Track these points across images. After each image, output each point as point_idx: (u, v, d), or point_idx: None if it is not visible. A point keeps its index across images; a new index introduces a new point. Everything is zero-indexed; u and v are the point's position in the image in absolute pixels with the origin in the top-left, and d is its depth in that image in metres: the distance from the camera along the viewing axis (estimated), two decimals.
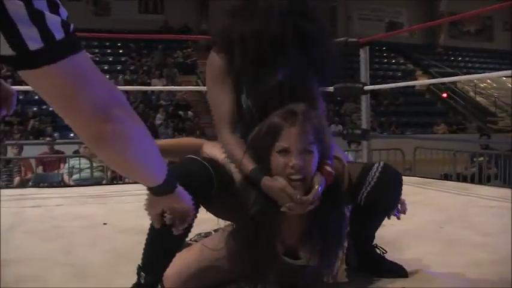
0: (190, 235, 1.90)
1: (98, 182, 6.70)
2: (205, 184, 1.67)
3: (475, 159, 8.39)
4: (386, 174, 1.76)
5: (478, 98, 20.43)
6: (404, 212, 2.02)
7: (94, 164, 7.16)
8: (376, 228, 1.92)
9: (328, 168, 1.65)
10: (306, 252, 1.70)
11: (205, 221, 1.83)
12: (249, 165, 1.66)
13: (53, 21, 0.82)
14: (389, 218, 2.02)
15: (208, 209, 1.80)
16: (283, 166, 1.60)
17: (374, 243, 1.97)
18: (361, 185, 1.75)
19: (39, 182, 6.87)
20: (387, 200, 1.81)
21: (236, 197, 1.69)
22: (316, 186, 1.59)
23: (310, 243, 1.69)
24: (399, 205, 2.07)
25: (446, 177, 7.76)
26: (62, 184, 7.01)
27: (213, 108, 1.86)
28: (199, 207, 1.73)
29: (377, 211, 1.82)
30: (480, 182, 7.35)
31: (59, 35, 0.83)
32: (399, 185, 1.81)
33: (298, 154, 1.60)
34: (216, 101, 1.85)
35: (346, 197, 1.75)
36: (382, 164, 1.80)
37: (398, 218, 1.98)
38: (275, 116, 1.66)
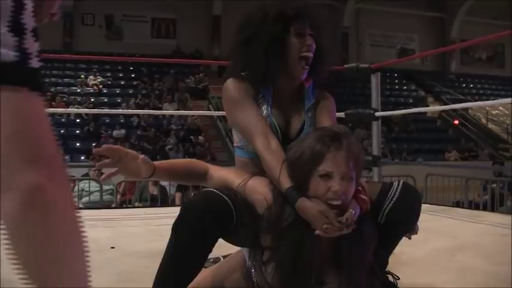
0: None
1: (107, 205, 6.70)
2: (225, 219, 1.64)
3: (488, 185, 8.32)
4: (406, 192, 1.74)
5: (490, 125, 20.34)
6: (416, 233, 2.00)
7: (104, 187, 7.17)
8: (390, 253, 1.88)
9: (363, 196, 1.64)
10: (333, 279, 1.68)
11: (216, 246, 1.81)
12: (286, 183, 1.64)
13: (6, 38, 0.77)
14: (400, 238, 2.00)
15: (227, 240, 1.78)
16: (325, 190, 1.58)
17: (386, 269, 1.93)
18: (381, 203, 1.73)
19: None
20: (408, 218, 1.79)
21: (257, 225, 1.66)
22: (351, 210, 1.57)
23: (338, 269, 1.66)
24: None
25: (458, 204, 7.69)
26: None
27: (243, 127, 1.86)
28: (217, 240, 1.71)
29: (397, 229, 1.80)
30: (493, 210, 7.26)
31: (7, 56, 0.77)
32: (419, 203, 1.81)
33: (341, 180, 1.58)
34: (243, 120, 1.85)
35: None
36: (401, 182, 1.78)
37: (410, 238, 1.95)
38: (317, 138, 1.63)
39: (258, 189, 1.69)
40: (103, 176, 1.88)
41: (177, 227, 1.67)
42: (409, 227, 1.86)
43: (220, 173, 1.85)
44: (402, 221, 1.78)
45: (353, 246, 1.64)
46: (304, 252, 1.62)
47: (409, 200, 1.76)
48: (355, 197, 1.63)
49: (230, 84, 1.90)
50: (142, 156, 1.82)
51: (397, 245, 1.89)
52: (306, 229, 1.60)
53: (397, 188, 1.74)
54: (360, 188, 1.66)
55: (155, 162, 1.84)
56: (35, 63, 0.80)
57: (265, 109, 1.89)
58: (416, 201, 1.79)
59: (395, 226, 1.76)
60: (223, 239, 1.74)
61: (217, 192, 1.68)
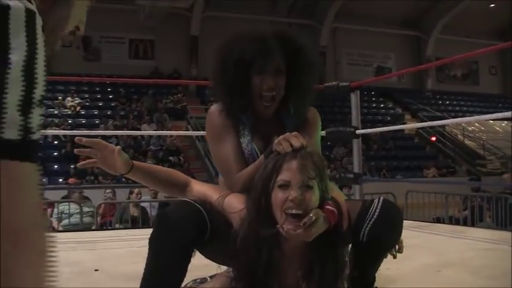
0: (186, 281, 1.86)
1: (87, 228, 6.62)
2: (199, 229, 1.64)
3: (467, 200, 8.39)
4: (387, 209, 1.75)
5: (467, 141, 20.56)
6: (401, 251, 1.99)
7: (84, 210, 7.09)
8: (376, 270, 1.87)
9: (330, 207, 1.62)
10: None
11: (199, 267, 1.79)
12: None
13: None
14: (385, 256, 1.99)
15: (204, 253, 1.78)
16: (283, 200, 1.57)
17: (374, 286, 1.92)
18: (362, 221, 1.73)
19: None
20: (389, 235, 1.79)
21: (231, 240, 1.65)
22: (311, 215, 1.54)
23: (308, 285, 1.64)
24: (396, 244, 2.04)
25: (438, 220, 7.73)
26: (50, 230, 6.90)
27: (219, 163, 1.93)
28: (194, 252, 1.70)
29: (379, 247, 1.79)
30: (473, 225, 7.32)
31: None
32: (400, 219, 1.81)
33: (298, 188, 1.57)
34: (220, 156, 1.92)
35: (348, 235, 1.72)
36: (381, 199, 1.78)
37: (395, 257, 1.95)
38: (275, 154, 1.66)
39: (235, 205, 1.70)
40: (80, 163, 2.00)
41: (152, 238, 1.68)
42: (392, 244, 1.85)
43: (200, 187, 1.85)
44: (384, 238, 1.77)
45: (323, 263, 1.63)
46: (269, 270, 1.61)
47: (390, 217, 1.76)
48: (322, 208, 1.60)
49: (213, 113, 1.96)
50: (118, 147, 1.90)
51: (382, 261, 1.88)
52: (273, 247, 1.60)
53: (377, 205, 1.74)
54: (329, 202, 1.64)
55: (135, 162, 1.87)
56: (36, 135, 0.79)
57: (246, 135, 1.93)
58: (397, 217, 1.79)
59: (377, 243, 1.76)
60: (198, 251, 1.74)
61: (192, 202, 1.69)
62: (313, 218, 1.54)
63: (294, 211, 1.55)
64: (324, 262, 1.62)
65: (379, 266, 1.88)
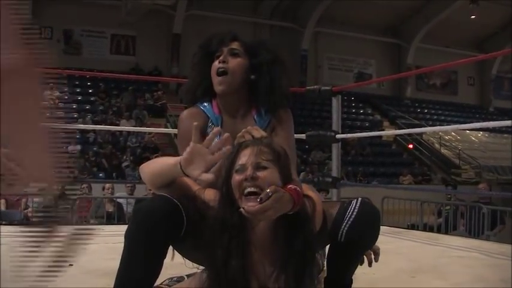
0: (162, 279, 1.86)
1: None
2: (175, 223, 1.64)
3: (442, 208, 8.49)
4: (365, 209, 1.76)
5: (443, 150, 20.77)
6: (376, 260, 2.02)
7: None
8: (353, 272, 1.88)
9: (293, 186, 1.63)
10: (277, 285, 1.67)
11: (176, 265, 1.78)
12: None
13: None
14: (361, 264, 2.01)
15: (180, 251, 1.77)
16: (239, 182, 1.59)
17: None
18: (340, 221, 1.74)
19: None
20: (368, 234, 1.79)
21: (208, 236, 1.65)
22: (268, 190, 1.55)
23: (279, 281, 1.65)
24: (372, 254, 2.06)
25: (413, 227, 7.80)
26: (24, 222, 6.83)
27: None
28: (168, 247, 1.69)
29: (357, 247, 1.80)
30: (446, 232, 7.41)
31: None
32: (378, 219, 1.82)
33: (254, 169, 1.60)
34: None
35: (325, 236, 1.73)
36: (360, 199, 1.79)
37: (370, 265, 1.97)
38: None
39: (213, 198, 1.70)
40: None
41: (127, 232, 1.67)
42: (369, 244, 1.86)
43: (182, 179, 1.84)
44: (362, 238, 1.78)
45: (294, 258, 1.63)
46: (239, 262, 1.62)
47: (368, 217, 1.77)
48: (285, 188, 1.61)
49: (181, 118, 2.04)
50: None
51: (358, 263, 1.90)
52: (239, 233, 1.62)
53: (355, 206, 1.75)
54: (296, 186, 1.65)
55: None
56: None
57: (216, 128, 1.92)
58: (375, 217, 1.80)
59: (355, 243, 1.76)
60: (174, 248, 1.73)
61: (169, 196, 1.68)
62: (270, 193, 1.54)
63: (249, 189, 1.57)
64: (294, 255, 1.63)
65: (356, 268, 1.89)
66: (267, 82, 1.99)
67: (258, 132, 1.75)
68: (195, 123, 1.71)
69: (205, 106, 2.02)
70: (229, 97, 2.00)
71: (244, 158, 1.62)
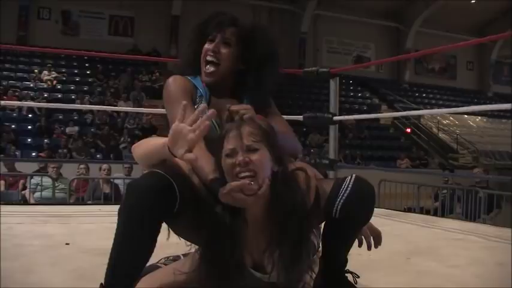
0: (158, 258, 1.86)
1: (59, 203, 6.56)
2: (168, 199, 1.64)
3: (439, 192, 8.52)
4: (359, 185, 1.74)
5: (441, 135, 20.81)
6: (376, 246, 2.02)
7: (60, 186, 7.04)
8: (348, 250, 1.87)
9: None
10: (270, 266, 1.67)
11: (171, 245, 1.78)
12: (210, 175, 1.67)
13: None
14: (360, 245, 2.01)
15: (175, 229, 1.77)
16: (231, 167, 1.60)
17: (346, 268, 1.92)
18: (334, 197, 1.73)
19: None
20: (362, 210, 1.78)
21: (201, 213, 1.65)
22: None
23: (273, 257, 1.66)
24: (371, 238, 2.06)
25: (410, 210, 7.82)
26: (22, 202, 6.84)
27: (171, 124, 1.84)
28: (161, 223, 1.69)
29: (352, 223, 1.78)
30: (443, 216, 7.43)
31: None
32: (373, 195, 1.79)
33: (243, 152, 1.60)
34: (173, 116, 1.89)
35: (320, 213, 1.73)
36: (354, 176, 1.78)
37: (369, 249, 1.96)
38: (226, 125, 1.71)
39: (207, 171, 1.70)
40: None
41: (120, 208, 1.68)
42: (364, 220, 1.83)
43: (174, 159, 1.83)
44: (357, 214, 1.76)
45: (289, 234, 1.64)
46: (230, 234, 1.63)
47: (363, 193, 1.75)
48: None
49: (170, 80, 2.03)
50: None
51: (354, 241, 1.88)
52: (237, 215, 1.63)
53: (349, 182, 1.73)
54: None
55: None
56: None
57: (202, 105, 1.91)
58: (369, 193, 1.77)
59: (350, 219, 1.74)
60: (168, 225, 1.73)
61: (162, 173, 1.67)
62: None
63: (243, 174, 1.59)
64: (287, 230, 1.63)
65: (351, 245, 1.87)
66: (254, 77, 2.02)
67: (245, 109, 1.78)
68: (184, 102, 1.68)
69: (193, 78, 2.05)
70: (215, 84, 2.03)
71: (233, 140, 1.62)
